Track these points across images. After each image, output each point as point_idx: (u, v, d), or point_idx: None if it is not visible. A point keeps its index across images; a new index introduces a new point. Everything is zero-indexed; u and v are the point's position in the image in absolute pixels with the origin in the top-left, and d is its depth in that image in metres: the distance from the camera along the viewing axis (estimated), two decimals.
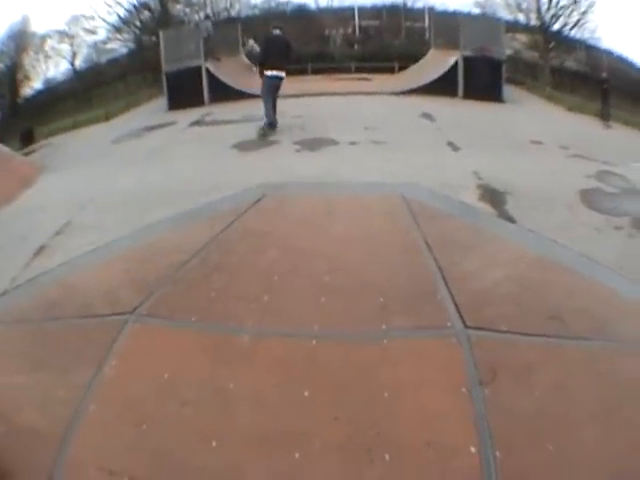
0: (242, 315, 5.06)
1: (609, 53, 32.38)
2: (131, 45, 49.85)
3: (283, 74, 13.65)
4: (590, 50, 33.91)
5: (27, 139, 32.85)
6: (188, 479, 3.77)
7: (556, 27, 34.21)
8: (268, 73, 13.48)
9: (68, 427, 4.09)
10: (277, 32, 13.88)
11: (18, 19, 48.25)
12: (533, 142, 13.51)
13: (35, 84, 50.93)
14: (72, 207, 11.52)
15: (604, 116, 26.66)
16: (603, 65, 30.56)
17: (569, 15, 33.29)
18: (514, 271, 5.65)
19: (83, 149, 21.22)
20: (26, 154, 26.37)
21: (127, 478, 3.77)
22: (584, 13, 32.77)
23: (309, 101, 18.69)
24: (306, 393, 4.19)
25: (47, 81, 51.51)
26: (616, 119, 20.79)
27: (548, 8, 33.71)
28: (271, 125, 13.84)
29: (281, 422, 4.01)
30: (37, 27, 57.24)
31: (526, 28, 34.33)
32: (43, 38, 49.62)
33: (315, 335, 4.75)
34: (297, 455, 3.73)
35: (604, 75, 29.78)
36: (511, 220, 7.96)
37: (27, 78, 50.05)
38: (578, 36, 33.98)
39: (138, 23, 48.54)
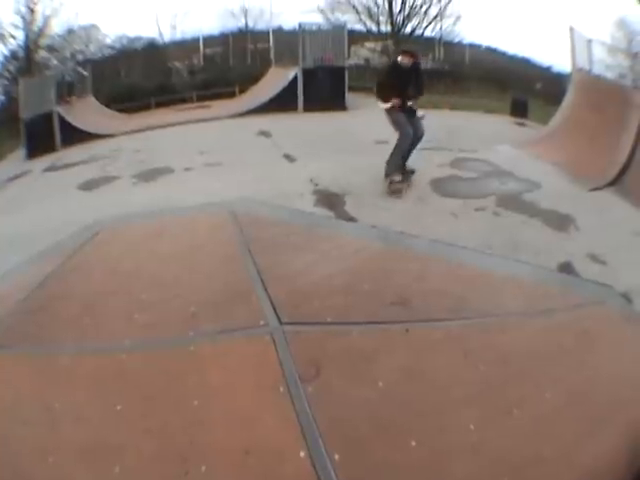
0: (64, 337, 5.11)
1: (476, 46, 33.10)
2: (0, 97, 49.15)
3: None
4: (449, 46, 34.59)
5: None
6: None
7: (409, 29, 34.75)
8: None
9: None
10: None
11: None
12: (378, 142, 13.55)
13: None
14: None
15: None
16: (465, 59, 31.26)
17: (426, 12, 33.81)
18: (350, 264, 5.60)
19: None
20: None
21: None
22: (442, 7, 33.35)
23: (149, 135, 18.77)
24: (118, 407, 4.10)
25: None
26: (475, 108, 21.26)
27: (400, 10, 34.20)
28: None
29: (98, 436, 3.92)
30: None
31: (377, 35, 34.80)
32: None
33: (126, 349, 4.73)
34: (117, 469, 3.62)
35: None
36: (351, 219, 7.89)
37: None
38: (436, 34, 34.59)
39: (6, 74, 47.81)
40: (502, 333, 4.52)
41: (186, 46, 36.05)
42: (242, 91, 30.04)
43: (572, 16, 15.88)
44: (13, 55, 46.74)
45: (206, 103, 28.75)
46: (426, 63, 34.89)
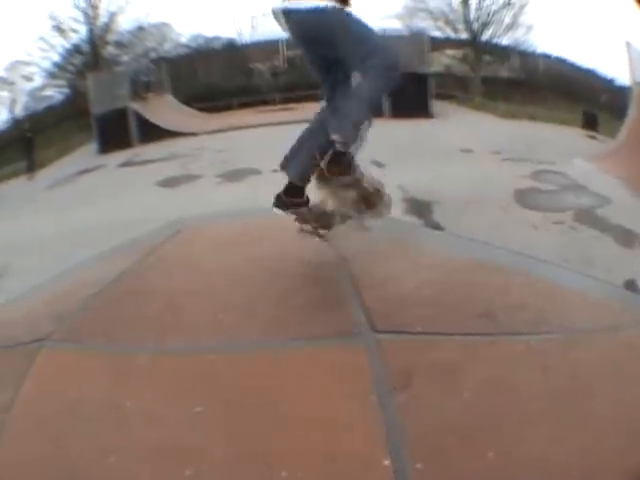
0: (143, 335, 5.08)
1: (547, 56, 32.91)
2: (65, 91, 50.02)
3: None
4: (524, 56, 34.47)
5: None
6: None
7: (486, 37, 34.69)
8: None
9: None
10: None
11: None
12: (463, 151, 13.52)
13: None
14: (7, 252, 11.56)
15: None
16: (539, 69, 31.08)
17: (502, 19, 33.72)
18: (438, 274, 5.55)
19: (19, 196, 21.26)
20: None
21: None
22: (515, 15, 33.21)
23: (233, 135, 18.78)
24: (198, 409, 4.05)
25: None
26: (552, 119, 21.14)
27: (478, 17, 34.14)
28: None
29: (173, 438, 3.87)
30: None
31: (456, 42, 34.81)
32: None
33: (210, 350, 4.71)
34: (188, 472, 3.55)
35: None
36: (438, 228, 7.88)
37: None
38: (511, 43, 34.50)
39: (71, 68, 48.62)
40: (574, 348, 4.44)
41: (266, 47, 36.30)
42: None
43: (633, 28, 15.75)
44: (76, 49, 47.57)
45: (290, 105, 28.91)
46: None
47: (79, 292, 6.14)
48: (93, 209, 13.45)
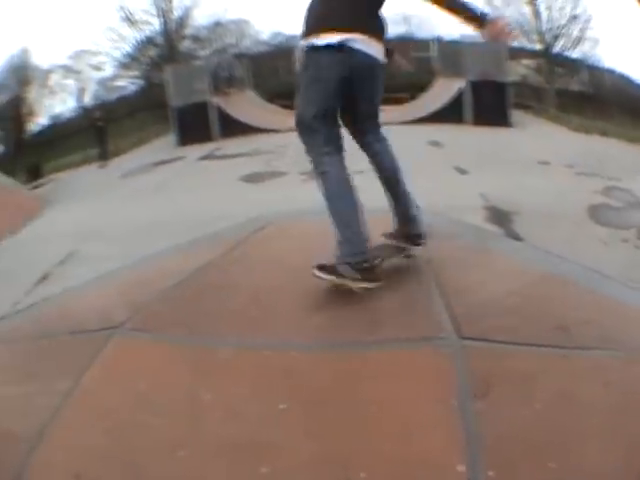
0: (227, 329, 5.08)
1: (611, 72, 32.76)
2: (139, 82, 50.72)
3: None
4: (592, 70, 34.27)
5: (34, 174, 33.59)
6: None
7: (558, 49, 34.51)
8: None
9: (41, 432, 4.06)
10: None
11: (17, 51, 49.12)
12: (540, 162, 13.60)
13: (41, 119, 51.76)
14: (77, 238, 11.77)
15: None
16: (606, 84, 30.85)
17: (569, 33, 33.55)
18: (517, 285, 5.58)
19: (91, 184, 21.49)
20: (33, 188, 26.88)
21: None
22: (582, 30, 33.01)
23: None
24: (282, 406, 4.07)
25: (54, 117, 52.30)
26: (618, 135, 21.02)
27: (550, 28, 33.95)
28: None
29: (251, 434, 3.89)
30: (39, 60, 58.07)
31: (530, 52, 34.66)
32: (47, 73, 50.44)
33: (297, 348, 4.73)
34: (264, 469, 3.55)
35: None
36: (517, 238, 7.98)
37: (31, 113, 50.75)
38: (579, 56, 34.30)
39: (145, 59, 49.28)
40: (634, 366, 4.41)
41: None
42: (411, 98, 30.29)
43: None
44: (150, 41, 48.21)
45: None
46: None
47: (157, 282, 6.20)
48: (170, 200, 13.63)
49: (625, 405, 3.96)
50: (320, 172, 5.46)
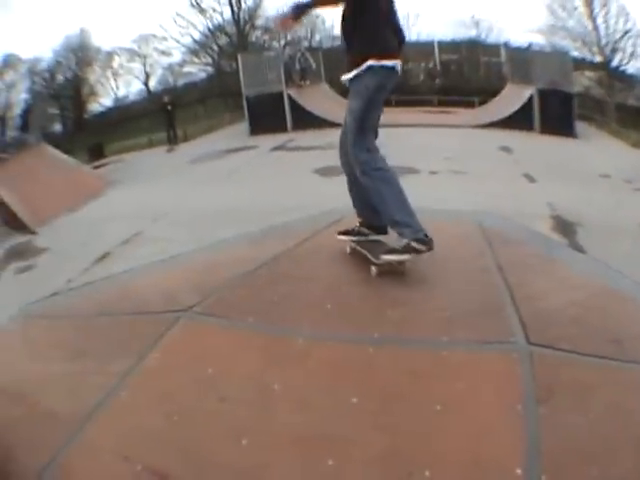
0: (301, 319, 5.07)
1: None
2: (209, 69, 51.01)
3: None
4: None
5: (96, 153, 34.15)
6: (208, 474, 3.72)
7: (616, 62, 34.32)
8: None
9: (92, 412, 4.14)
10: None
11: (75, 31, 49.71)
12: (601, 176, 13.69)
13: (104, 100, 52.45)
14: (141, 219, 12.01)
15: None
16: None
17: (624, 47, 33.34)
18: (579, 296, 5.64)
19: (158, 166, 21.68)
20: (95, 168, 27.30)
21: (141, 466, 3.73)
22: (634, 45, 32.76)
23: (392, 131, 18.90)
24: (354, 399, 4.12)
25: (118, 99, 52.92)
26: None
27: (607, 43, 33.74)
28: None
29: (321, 426, 3.95)
30: (100, 42, 58.73)
31: (591, 64, 34.53)
32: (110, 55, 51.03)
33: (373, 342, 4.72)
34: (330, 462, 3.65)
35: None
36: (580, 250, 8.14)
37: (93, 94, 51.37)
38: (635, 71, 34.11)
39: (215, 47, 49.54)
40: None
41: (420, 48, 36.38)
42: (481, 102, 30.35)
43: None
44: (221, 29, 48.48)
45: (447, 109, 29.10)
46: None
47: (227, 269, 6.25)
48: (241, 188, 13.77)
49: None
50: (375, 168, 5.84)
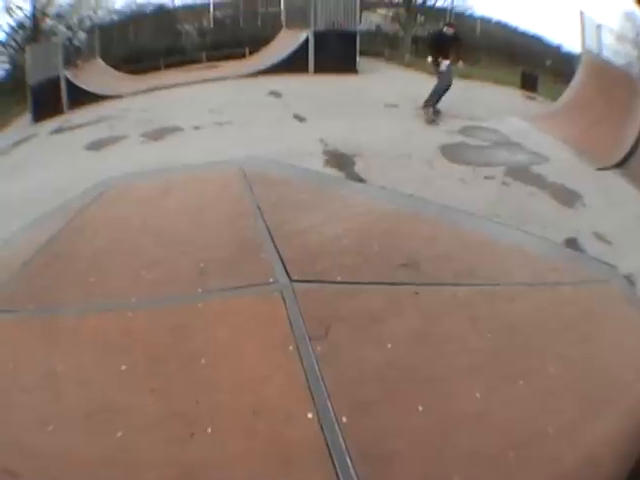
0: (69, 297, 5.00)
1: (486, 20, 33.51)
2: (7, 67, 49.25)
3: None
4: (460, 18, 34.78)
5: None
6: (31, 464, 3.52)
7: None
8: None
9: None
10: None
11: None
12: (388, 105, 13.62)
13: None
14: None
15: None
16: (475, 31, 31.38)
17: None
18: (359, 225, 5.56)
19: None
20: None
21: None
22: None
23: (158, 95, 18.74)
24: (123, 367, 4.04)
25: None
26: (492, 78, 21.47)
27: None
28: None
29: (103, 399, 3.83)
30: None
31: (389, 4, 34.94)
32: None
33: (132, 307, 4.64)
34: (120, 433, 3.55)
35: None
36: (361, 180, 7.85)
37: None
38: (447, 6, 34.81)
39: (14, 44, 47.82)
40: (509, 302, 4.50)
41: (196, 9, 35.93)
42: (252, 53, 30.12)
43: (581, 2, 16.35)
44: (20, 26, 46.86)
45: (215, 63, 28.83)
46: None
47: (12, 262, 6.04)
48: (26, 180, 13.26)
49: (498, 342, 4.02)
50: None
